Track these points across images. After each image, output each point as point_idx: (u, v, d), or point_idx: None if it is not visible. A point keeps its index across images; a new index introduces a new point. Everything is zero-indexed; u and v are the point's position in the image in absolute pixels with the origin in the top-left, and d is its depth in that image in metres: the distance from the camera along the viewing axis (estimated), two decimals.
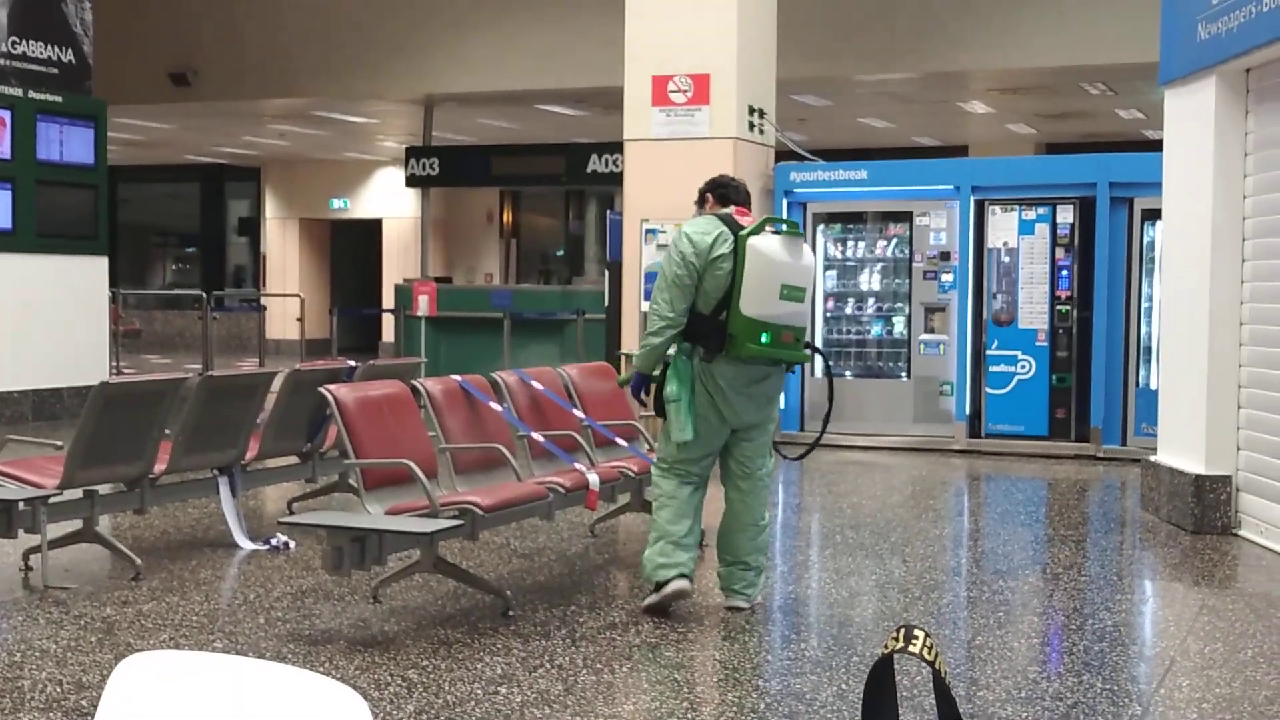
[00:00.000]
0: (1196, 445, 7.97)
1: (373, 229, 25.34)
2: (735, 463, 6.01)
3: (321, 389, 6.03)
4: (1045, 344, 11.29)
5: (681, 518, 5.89)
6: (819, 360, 11.66)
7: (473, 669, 4.96)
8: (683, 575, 5.80)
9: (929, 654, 1.71)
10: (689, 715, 4.47)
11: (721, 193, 6.12)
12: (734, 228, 5.86)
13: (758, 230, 5.83)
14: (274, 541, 7.19)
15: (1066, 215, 11.25)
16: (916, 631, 1.65)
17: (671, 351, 5.92)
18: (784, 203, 11.93)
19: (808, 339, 6.00)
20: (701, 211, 6.13)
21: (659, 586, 5.82)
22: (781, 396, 6.26)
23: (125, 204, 27.20)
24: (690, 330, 5.85)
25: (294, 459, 7.95)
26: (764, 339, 5.76)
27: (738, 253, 5.78)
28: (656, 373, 5.96)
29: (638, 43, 11.63)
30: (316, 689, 1.54)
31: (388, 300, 22.55)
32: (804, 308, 5.90)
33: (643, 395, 6.12)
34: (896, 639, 1.64)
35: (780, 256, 5.79)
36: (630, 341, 11.69)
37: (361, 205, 25.51)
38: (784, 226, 5.91)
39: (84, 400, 7.33)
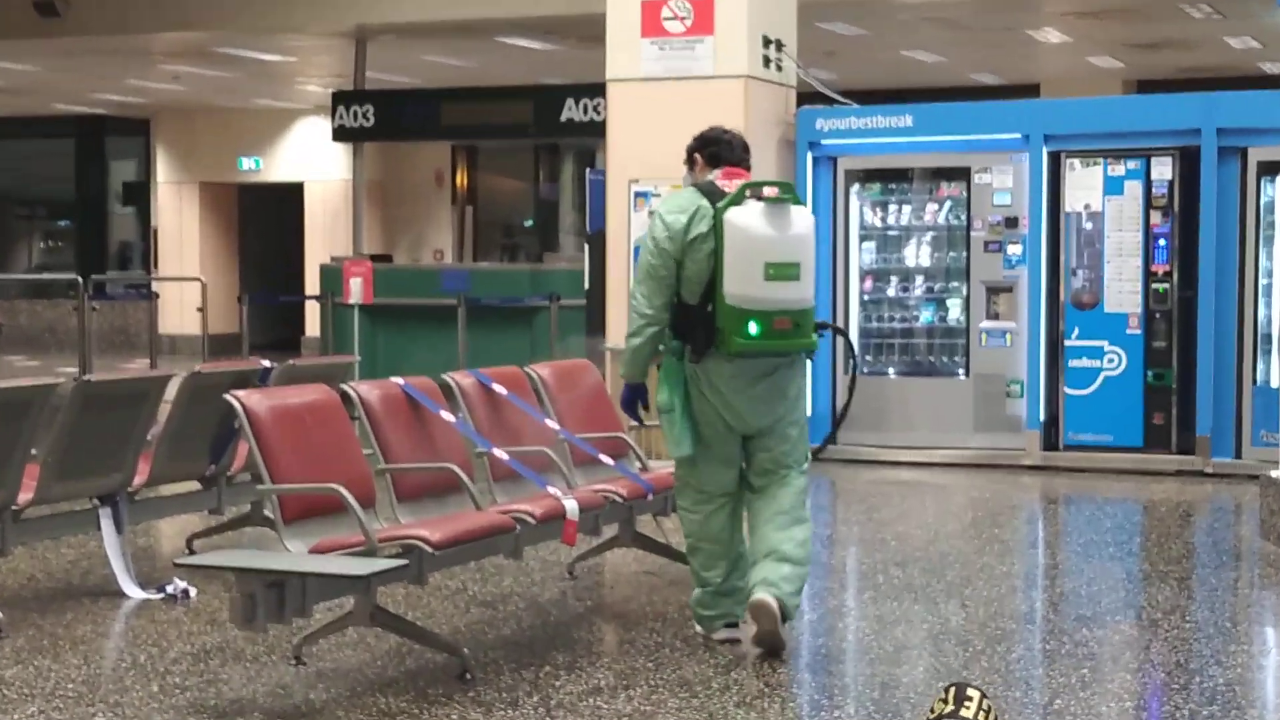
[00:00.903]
0: None
1: (292, 195, 25.30)
2: (755, 474, 6.23)
3: (228, 396, 6.02)
4: (1138, 332, 11.29)
5: (716, 561, 6.24)
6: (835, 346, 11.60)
7: None
8: (731, 624, 6.30)
9: (985, 718, 1.72)
10: None
11: (712, 150, 6.22)
12: (715, 199, 5.99)
13: (737, 199, 5.94)
14: (170, 589, 7.16)
15: (1163, 170, 11.25)
16: (970, 691, 1.65)
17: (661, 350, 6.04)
18: (808, 157, 11.94)
19: (834, 323, 6.09)
20: (690, 177, 6.24)
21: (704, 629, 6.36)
22: (805, 390, 6.41)
23: None
24: (678, 325, 6.02)
25: (194, 484, 7.93)
26: (753, 330, 5.90)
27: (716, 229, 5.91)
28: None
29: None
30: None
31: (311, 285, 22.52)
32: (800, 287, 6.00)
33: (639, 409, 6.28)
34: (945, 700, 1.64)
35: (760, 229, 5.92)
36: (617, 333, 11.69)
37: (277, 165, 25.47)
38: (771, 190, 5.99)
39: None
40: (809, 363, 6.36)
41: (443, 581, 7.42)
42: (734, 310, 5.90)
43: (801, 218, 6.09)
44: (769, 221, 5.95)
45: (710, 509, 6.21)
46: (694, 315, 5.99)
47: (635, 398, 6.29)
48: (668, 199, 6.15)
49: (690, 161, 6.30)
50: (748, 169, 6.25)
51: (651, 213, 6.09)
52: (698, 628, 6.41)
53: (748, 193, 5.97)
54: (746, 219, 5.92)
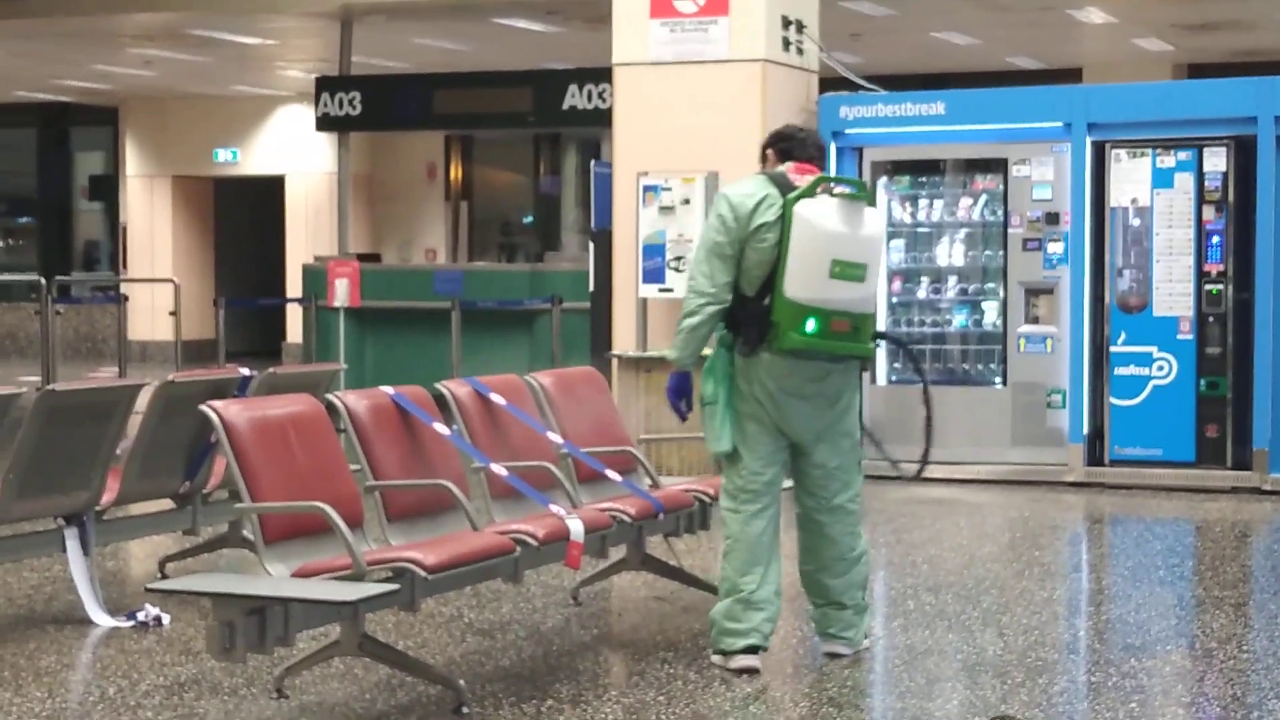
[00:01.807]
0: None
1: (272, 190, 25.33)
2: (805, 494, 6.49)
3: (204, 407, 6.03)
4: (1190, 337, 11.29)
5: (753, 566, 6.32)
6: (881, 359, 11.67)
7: None
8: (752, 648, 6.29)
9: None
10: None
11: (784, 146, 6.53)
12: (785, 189, 6.24)
13: (809, 192, 6.18)
14: (141, 616, 7.17)
15: (1217, 161, 11.25)
16: None
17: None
18: (831, 148, 11.94)
19: (884, 330, 6.26)
20: (763, 171, 6.53)
21: (722, 653, 6.35)
22: (856, 403, 6.61)
23: None
24: (732, 316, 6.28)
25: (168, 503, 7.94)
26: (810, 327, 6.11)
27: (784, 220, 6.15)
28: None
29: None
30: None
31: (293, 287, 22.55)
32: (865, 290, 6.25)
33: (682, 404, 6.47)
34: None
35: (832, 225, 6.16)
36: (624, 339, 11.71)
37: (256, 157, 25.49)
38: (846, 187, 6.29)
39: None
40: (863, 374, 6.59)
41: (436, 608, 7.42)
42: (792, 305, 6.11)
43: (874, 219, 6.36)
44: (841, 218, 6.18)
45: (752, 509, 6.35)
46: (749, 307, 6.22)
47: (683, 386, 6.46)
48: (735, 182, 6.44)
49: (763, 158, 6.60)
50: (821, 168, 6.49)
51: (718, 193, 6.39)
52: (714, 657, 6.42)
53: (820, 187, 6.20)
54: (817, 213, 6.15)
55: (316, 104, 18.83)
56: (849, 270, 6.14)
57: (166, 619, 7.16)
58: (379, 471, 6.42)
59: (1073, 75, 20.60)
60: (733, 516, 6.40)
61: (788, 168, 6.40)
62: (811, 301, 6.11)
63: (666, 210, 11.46)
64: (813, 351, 6.18)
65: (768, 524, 6.37)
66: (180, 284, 18.66)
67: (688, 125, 11.60)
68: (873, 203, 6.45)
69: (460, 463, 6.80)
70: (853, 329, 6.21)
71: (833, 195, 6.21)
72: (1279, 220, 11.06)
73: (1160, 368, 11.33)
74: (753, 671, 6.29)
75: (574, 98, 17.47)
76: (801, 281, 6.10)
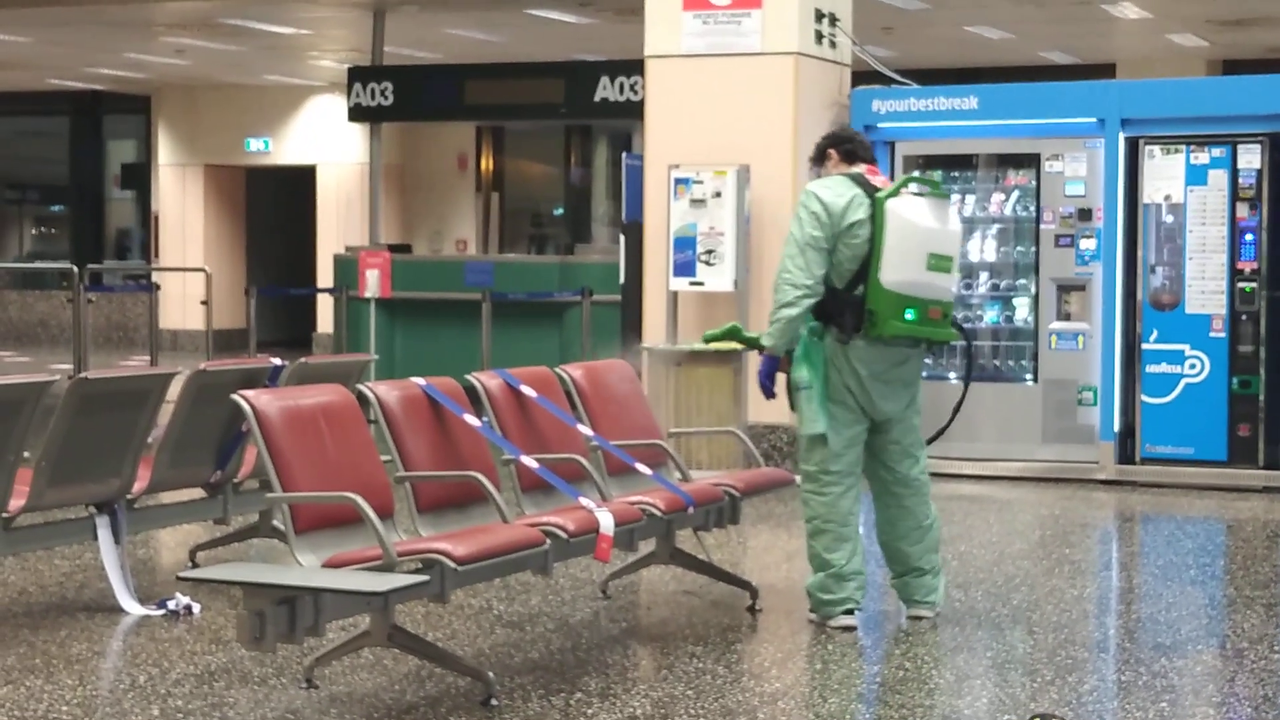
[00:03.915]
0: None
1: (304, 179, 25.39)
2: (884, 469, 7.04)
3: (235, 396, 6.04)
4: (1223, 335, 11.25)
5: (841, 543, 6.88)
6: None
7: None
8: (849, 610, 6.91)
9: None
10: None
11: (848, 148, 7.04)
12: (869, 190, 6.81)
13: (896, 192, 6.80)
14: (171, 604, 7.20)
15: (1251, 158, 11.21)
16: None
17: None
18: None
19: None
20: (822, 171, 7.05)
21: (821, 617, 6.96)
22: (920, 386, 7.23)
23: None
24: (820, 308, 6.78)
25: (198, 492, 7.96)
26: (910, 315, 6.74)
27: (875, 218, 6.70)
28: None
29: None
30: None
31: (324, 277, 22.59)
32: (952, 280, 6.91)
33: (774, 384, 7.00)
34: None
35: (926, 221, 6.80)
36: (655, 332, 11.71)
37: (289, 147, 25.55)
38: (925, 187, 6.97)
39: None
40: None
41: (466, 600, 7.43)
42: (892, 295, 6.69)
43: (955, 216, 7.08)
44: (932, 214, 6.83)
45: (839, 490, 6.87)
46: (841, 298, 6.76)
47: (774, 370, 6.95)
48: (821, 181, 6.92)
49: (821, 157, 7.08)
50: (878, 165, 7.16)
51: (805, 192, 6.85)
52: (812, 616, 6.99)
53: (908, 188, 6.84)
54: (911, 210, 6.78)
55: (349, 94, 18.85)
56: (942, 262, 6.78)
57: (197, 608, 7.18)
58: (409, 462, 6.43)
59: (1106, 71, 20.55)
60: (818, 498, 6.90)
61: (863, 169, 6.92)
62: (910, 291, 6.70)
63: (698, 203, 11.45)
64: (905, 338, 6.78)
65: (852, 503, 6.91)
66: (211, 273, 18.69)
67: (719, 118, 11.60)
68: (950, 201, 7.15)
69: (490, 454, 6.81)
70: (942, 315, 6.84)
71: (915, 195, 6.84)
72: None
73: (1192, 366, 11.29)
74: (851, 629, 6.87)
75: (606, 89, 17.46)
76: (900, 273, 6.67)
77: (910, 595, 7.10)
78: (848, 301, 6.76)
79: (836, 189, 6.83)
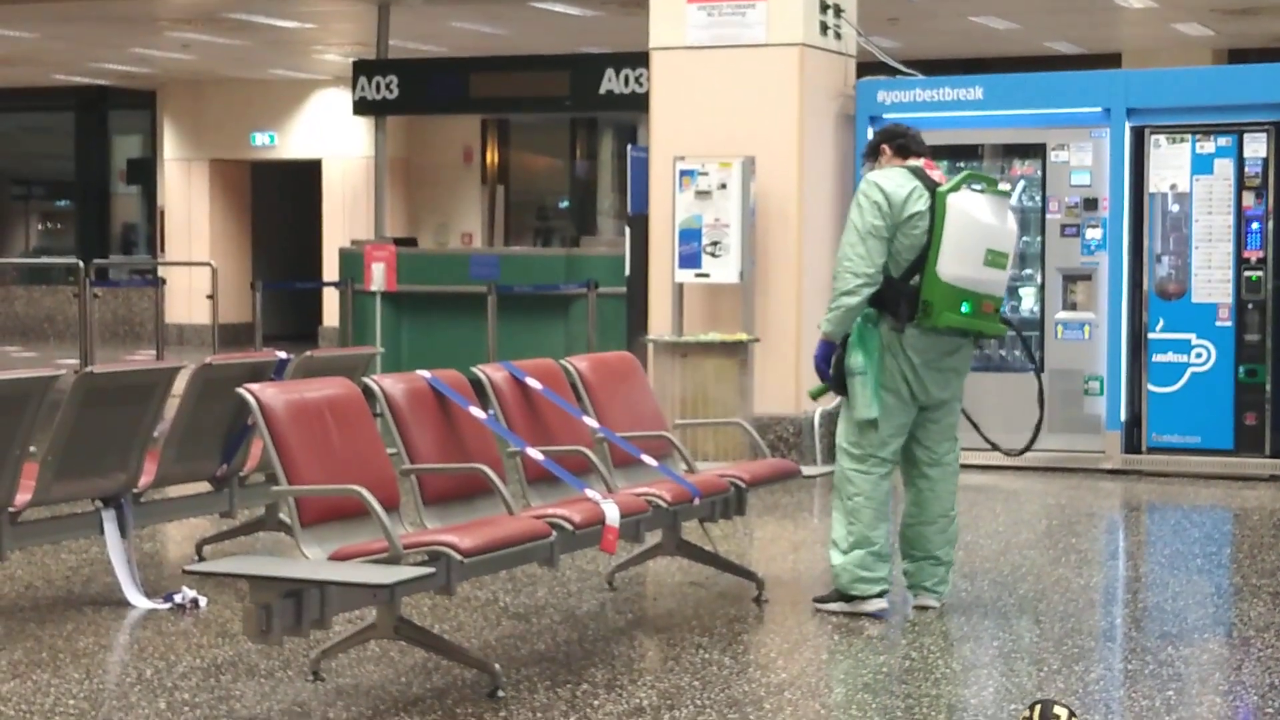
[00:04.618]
0: None
1: (309, 173, 25.39)
2: (921, 448, 7.18)
3: (241, 390, 6.05)
4: (1229, 324, 11.24)
5: (880, 521, 7.06)
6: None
7: None
8: (883, 594, 7.03)
9: None
10: None
11: (901, 143, 7.20)
12: (929, 183, 6.98)
13: (957, 187, 6.96)
14: (178, 598, 7.20)
15: (1257, 147, 11.19)
16: (1058, 709, 1.65)
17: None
18: (869, 132, 11.89)
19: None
20: (875, 165, 7.21)
21: (850, 598, 7.02)
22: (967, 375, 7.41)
23: None
24: (876, 297, 6.93)
25: (205, 485, 7.97)
26: (965, 308, 6.91)
27: (935, 211, 6.87)
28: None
29: None
30: None
31: (330, 270, 22.60)
32: (1006, 276, 7.09)
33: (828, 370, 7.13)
34: (1029, 718, 1.64)
35: (986, 218, 6.97)
36: (661, 324, 11.70)
37: (294, 141, 25.56)
38: (988, 185, 7.18)
39: None
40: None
41: (472, 592, 7.44)
42: (950, 288, 6.86)
43: (1013, 215, 7.22)
44: (992, 211, 7.01)
45: (882, 472, 7.05)
46: (898, 287, 6.90)
47: (830, 354, 7.06)
48: (881, 172, 7.06)
49: (876, 153, 7.24)
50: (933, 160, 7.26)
51: (866, 181, 7.01)
52: (830, 606, 7.06)
53: (968, 184, 6.99)
54: (972, 205, 6.94)
55: (354, 88, 18.85)
56: (999, 258, 6.94)
57: (203, 601, 7.19)
58: (415, 455, 6.43)
59: (1112, 60, 20.52)
60: (863, 477, 7.04)
61: (921, 163, 7.07)
62: (967, 285, 6.87)
63: (703, 195, 11.45)
64: (963, 329, 6.96)
65: (891, 486, 7.13)
66: (217, 267, 18.72)
67: (725, 110, 11.60)
68: (1010, 199, 7.36)
69: (496, 447, 6.81)
70: (995, 310, 7.03)
71: (976, 191, 7.01)
72: None
73: (1198, 355, 11.28)
74: (885, 613, 6.98)
75: (611, 82, 17.45)
76: (958, 267, 6.84)
77: (921, 582, 7.17)
78: (903, 291, 6.91)
79: (897, 179, 6.98)
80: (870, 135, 11.61)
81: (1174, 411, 11.33)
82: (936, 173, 7.09)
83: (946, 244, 6.84)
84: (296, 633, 5.50)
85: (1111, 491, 10.86)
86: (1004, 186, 7.68)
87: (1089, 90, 11.79)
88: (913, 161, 7.09)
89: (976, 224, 6.91)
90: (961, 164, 12.03)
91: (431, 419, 6.58)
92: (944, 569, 7.20)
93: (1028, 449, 7.92)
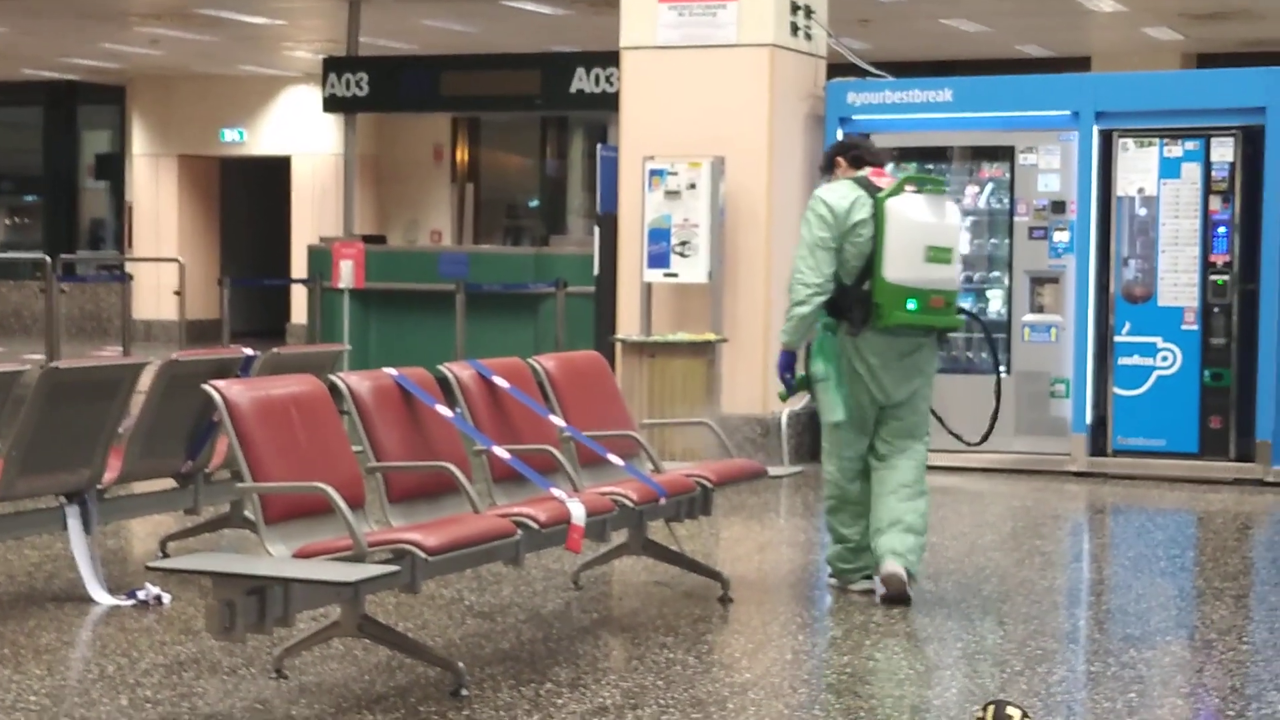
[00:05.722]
0: None
1: (278, 170, 25.34)
2: (883, 443, 7.44)
3: (207, 386, 6.04)
4: (1195, 328, 11.28)
5: (857, 519, 7.46)
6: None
7: None
8: (867, 575, 7.46)
9: None
10: None
11: (854, 154, 7.52)
12: (871, 191, 7.26)
13: (896, 191, 7.23)
14: (141, 595, 7.18)
15: (1224, 152, 11.23)
16: (1010, 709, 1.66)
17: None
18: (838, 133, 11.93)
19: (966, 306, 7.47)
20: (831, 178, 7.51)
21: (840, 577, 7.56)
22: (934, 375, 7.63)
23: None
24: (832, 304, 7.26)
25: (169, 482, 7.95)
26: (911, 305, 7.18)
27: (877, 217, 7.17)
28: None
29: None
30: None
31: (298, 267, 22.55)
32: (953, 270, 7.36)
33: (788, 376, 7.46)
34: (983, 718, 1.65)
35: (922, 216, 7.24)
36: (629, 323, 11.71)
37: (263, 138, 25.49)
38: (926, 185, 7.39)
39: None
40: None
41: (437, 590, 7.43)
42: (895, 288, 7.15)
43: (952, 209, 7.49)
44: (929, 210, 7.28)
45: (854, 471, 7.44)
46: (851, 294, 7.23)
47: (792, 363, 7.42)
48: (827, 186, 7.40)
49: (830, 165, 7.57)
50: (884, 167, 7.53)
51: (813, 197, 7.35)
52: (832, 581, 7.60)
53: (907, 186, 7.24)
54: (908, 207, 7.20)
55: (324, 84, 18.80)
56: (940, 254, 7.22)
57: (167, 598, 7.17)
58: (381, 453, 6.43)
59: (1081, 64, 20.58)
60: (839, 478, 7.47)
61: (867, 172, 7.35)
62: (911, 283, 7.15)
63: (672, 195, 11.46)
64: (911, 327, 7.22)
65: (864, 483, 7.45)
66: (185, 263, 18.69)
67: (695, 110, 11.61)
68: (948, 195, 7.58)
69: (462, 445, 6.81)
70: (945, 304, 7.29)
71: (913, 192, 7.23)
72: None
73: (1164, 358, 11.32)
74: (871, 593, 7.37)
75: (581, 81, 17.44)
76: (901, 267, 7.13)
77: (892, 547, 7.25)
78: (856, 296, 7.22)
79: (840, 192, 7.29)
80: (839, 136, 11.87)
81: (1139, 414, 11.37)
82: (884, 179, 7.35)
83: (889, 247, 7.15)
84: (260, 630, 5.50)
85: (1077, 494, 10.89)
86: (944, 184, 7.89)
87: (1058, 93, 11.83)
88: (862, 172, 7.37)
89: (914, 224, 7.20)
90: (930, 166, 12.11)
91: (398, 417, 6.57)
92: (913, 538, 7.30)
93: (986, 438, 8.15)
